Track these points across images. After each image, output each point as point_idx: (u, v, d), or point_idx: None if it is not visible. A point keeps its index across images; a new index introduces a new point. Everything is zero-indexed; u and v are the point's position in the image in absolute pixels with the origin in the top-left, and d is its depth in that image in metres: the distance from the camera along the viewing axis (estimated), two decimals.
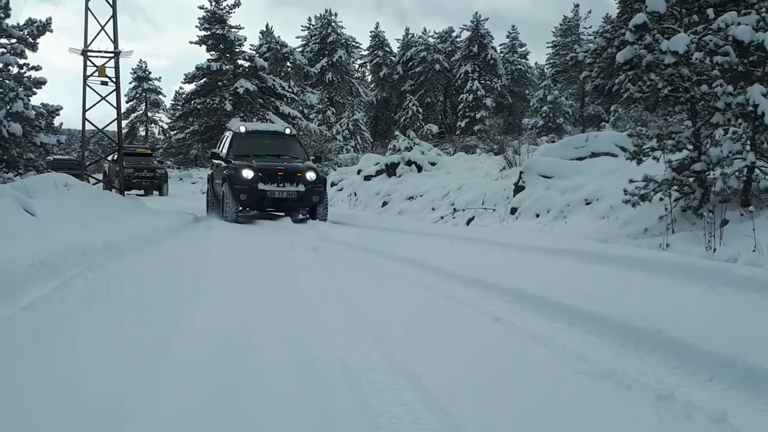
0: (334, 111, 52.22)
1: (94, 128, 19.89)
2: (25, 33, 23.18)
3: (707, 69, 9.20)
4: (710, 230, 8.28)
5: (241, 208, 14.93)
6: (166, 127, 64.09)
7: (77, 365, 3.49)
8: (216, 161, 16.70)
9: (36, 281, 5.31)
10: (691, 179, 9.52)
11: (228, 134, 17.37)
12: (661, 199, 9.65)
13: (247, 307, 5.05)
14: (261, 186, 14.57)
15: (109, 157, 28.95)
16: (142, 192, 30.69)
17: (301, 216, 15.10)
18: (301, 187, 14.80)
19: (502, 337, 4.24)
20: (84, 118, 18.34)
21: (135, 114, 66.32)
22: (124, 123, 60.40)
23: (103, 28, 17.74)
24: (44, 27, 23.64)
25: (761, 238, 7.49)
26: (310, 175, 15.02)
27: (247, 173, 14.63)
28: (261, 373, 3.44)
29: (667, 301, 5.09)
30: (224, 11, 45.64)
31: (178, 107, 54.58)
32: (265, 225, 14.24)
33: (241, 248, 9.57)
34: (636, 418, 2.89)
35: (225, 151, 16.17)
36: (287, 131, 17.99)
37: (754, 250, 7.46)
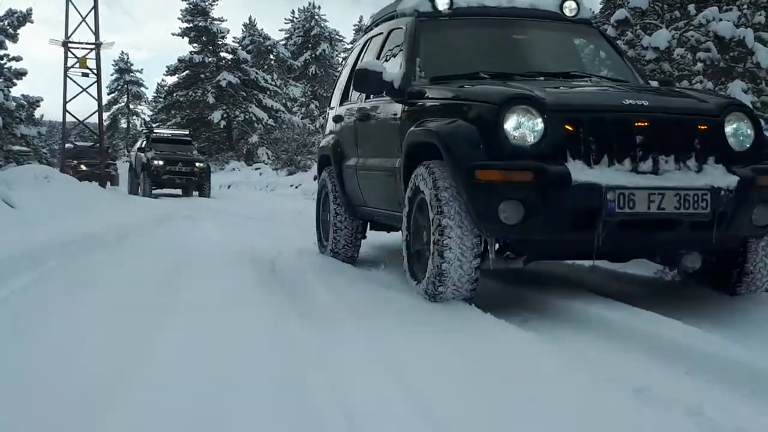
0: (318, 104, 52.18)
1: (74, 120, 19.87)
2: (6, 24, 23.03)
3: (689, 65, 9.27)
4: None
5: None
6: (148, 119, 63.73)
7: (53, 355, 3.47)
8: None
9: (17, 272, 5.29)
10: None
11: None
12: None
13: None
14: None
15: (137, 144, 25.48)
16: (179, 192, 24.25)
17: None
18: None
19: None
20: (65, 110, 18.37)
21: (117, 106, 65.83)
22: (105, 115, 60.27)
23: (84, 19, 17.76)
24: (25, 18, 23.49)
25: None
26: None
27: None
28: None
29: None
30: (207, 3, 45.41)
31: (160, 99, 54.31)
32: None
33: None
34: None
35: None
36: None
37: None
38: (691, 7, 9.70)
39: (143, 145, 24.59)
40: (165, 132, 27.73)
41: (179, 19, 45.97)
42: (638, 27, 9.79)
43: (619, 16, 9.70)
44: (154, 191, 22.96)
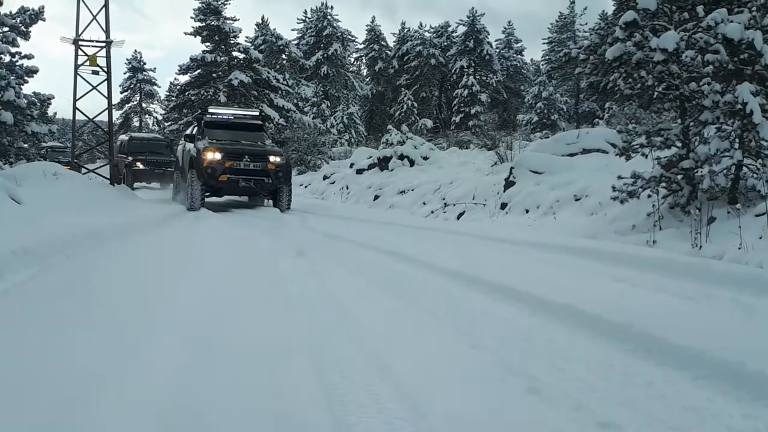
0: (329, 104, 52.13)
1: (85, 118, 19.87)
2: (18, 21, 23.08)
3: (698, 67, 9.18)
4: (697, 228, 8.28)
5: None
6: (160, 118, 63.82)
7: (43, 352, 3.46)
8: None
9: (16, 268, 5.28)
10: (679, 177, 9.52)
11: None
12: (649, 196, 9.64)
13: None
14: None
15: (187, 132, 20.13)
16: (244, 199, 19.27)
17: None
18: None
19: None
20: (74, 108, 18.32)
21: (129, 104, 66.02)
22: (118, 113, 60.58)
23: (95, 17, 17.70)
24: (37, 16, 23.58)
25: (747, 236, 7.50)
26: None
27: None
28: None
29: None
30: (219, 3, 45.40)
31: (173, 98, 54.32)
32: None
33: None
34: None
35: None
36: None
37: (739, 248, 7.46)
38: (700, 9, 9.61)
39: (193, 132, 18.55)
40: (224, 112, 19.52)
41: (192, 18, 45.97)
42: (647, 28, 9.70)
43: (628, 18, 9.61)
44: (207, 198, 16.76)
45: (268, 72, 44.53)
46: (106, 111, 18.55)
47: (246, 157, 16.36)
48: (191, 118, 23.76)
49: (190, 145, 17.30)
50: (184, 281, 5.67)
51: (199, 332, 3.97)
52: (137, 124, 66.34)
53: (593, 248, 7.87)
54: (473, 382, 3.30)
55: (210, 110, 19.10)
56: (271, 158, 16.65)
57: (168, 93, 63.04)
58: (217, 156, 16.11)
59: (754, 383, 3.07)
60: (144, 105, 67.05)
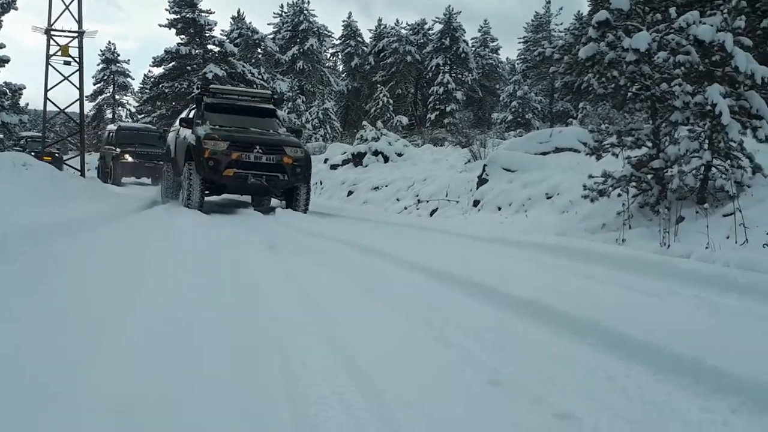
0: (304, 99, 51.99)
1: (56, 109, 19.75)
2: None
3: (670, 68, 9.26)
4: (666, 227, 8.34)
5: None
6: (133, 110, 63.35)
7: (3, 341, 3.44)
8: None
9: None
10: (649, 176, 9.60)
11: None
12: (619, 195, 9.71)
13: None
14: None
15: (182, 115, 16.41)
16: (247, 198, 16.99)
17: None
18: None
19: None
20: (46, 98, 18.19)
21: (102, 96, 65.49)
22: (90, 105, 60.02)
23: (67, 7, 17.60)
24: (9, 5, 23.36)
25: (715, 236, 7.57)
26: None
27: None
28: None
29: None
30: None
31: (146, 91, 54.05)
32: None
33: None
34: None
35: None
36: None
37: (707, 247, 7.53)
38: (672, 10, 9.69)
39: (189, 116, 15.60)
40: (230, 90, 17.63)
41: (167, 10, 45.77)
42: (620, 29, 9.76)
43: (600, 18, 9.66)
44: (207, 197, 14.29)
45: (243, 66, 44.46)
46: (78, 102, 18.40)
47: (257, 147, 13.59)
48: (190, 97, 18.85)
49: (186, 132, 14.62)
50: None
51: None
52: (110, 116, 65.75)
53: (564, 245, 7.95)
54: (435, 373, 3.31)
55: (212, 88, 16.26)
56: (288, 150, 13.91)
57: (142, 85, 62.70)
58: (222, 145, 13.40)
59: (713, 378, 3.12)
60: (117, 97, 66.54)
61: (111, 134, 26.26)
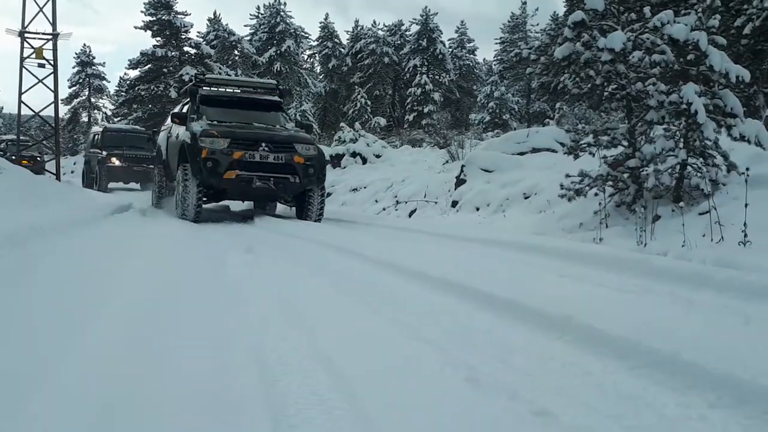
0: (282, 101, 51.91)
1: (31, 112, 19.60)
2: None
3: (645, 67, 9.32)
4: (642, 225, 8.39)
5: None
6: (109, 113, 62.92)
7: None
8: None
9: None
10: (625, 175, 9.66)
11: None
12: (596, 195, 9.76)
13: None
14: None
15: (175, 110, 14.92)
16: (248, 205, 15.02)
17: None
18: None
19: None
20: (20, 101, 18.03)
21: (78, 99, 64.94)
22: (66, 108, 59.54)
23: (41, 9, 17.44)
24: None
25: (691, 234, 7.61)
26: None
27: None
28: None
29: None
30: None
31: (122, 93, 53.78)
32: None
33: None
34: None
35: None
36: None
37: (683, 245, 7.57)
38: (647, 10, 9.76)
39: (183, 110, 14.05)
40: (228, 80, 16.09)
41: (142, 12, 45.59)
42: (595, 29, 9.81)
43: (576, 18, 9.72)
44: (205, 204, 12.57)
45: (220, 68, 44.33)
46: (53, 105, 18.26)
47: (263, 145, 11.73)
48: (182, 91, 16.51)
49: (179, 129, 12.93)
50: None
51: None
52: (86, 119, 65.25)
53: (540, 244, 7.97)
54: (412, 371, 3.30)
55: (208, 79, 14.57)
56: (299, 147, 12.06)
57: (118, 88, 62.37)
58: (222, 143, 11.58)
59: (688, 373, 3.13)
60: (93, 100, 66.01)
61: (96, 136, 24.77)
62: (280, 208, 14.66)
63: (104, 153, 23.10)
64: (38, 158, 24.34)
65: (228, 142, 11.60)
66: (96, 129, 26.43)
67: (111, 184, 23.25)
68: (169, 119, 14.27)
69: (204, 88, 13.73)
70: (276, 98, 14.30)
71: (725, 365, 3.10)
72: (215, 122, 12.31)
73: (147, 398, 2.82)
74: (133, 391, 2.88)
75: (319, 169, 12.27)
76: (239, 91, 14.37)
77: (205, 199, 12.10)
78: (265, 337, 3.79)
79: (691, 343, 3.45)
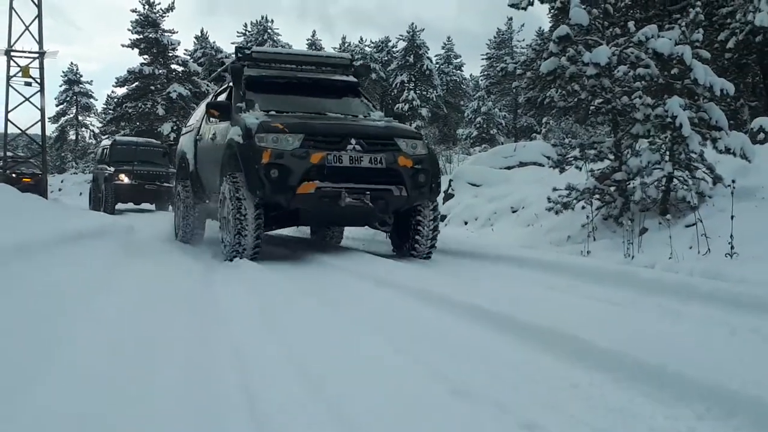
0: None
1: (18, 130, 19.57)
2: None
3: (630, 81, 9.38)
4: (629, 238, 8.41)
5: None
6: (97, 131, 62.79)
7: None
8: None
9: None
10: (612, 188, 9.70)
11: None
12: (583, 208, 9.79)
13: None
14: None
15: (199, 109, 11.71)
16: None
17: None
18: None
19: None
20: (6, 120, 18.00)
21: (65, 118, 64.79)
22: (53, 127, 59.36)
23: (27, 28, 17.42)
24: None
25: (678, 246, 7.64)
26: None
27: None
28: None
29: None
30: (158, 15, 45.08)
31: (110, 111, 53.70)
32: None
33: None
34: None
35: None
36: None
37: (670, 257, 7.59)
38: (631, 25, 9.85)
39: (215, 99, 10.52)
40: (280, 55, 10.70)
41: (129, 30, 45.63)
42: (580, 44, 9.87)
43: (561, 33, 9.77)
44: (267, 232, 9.02)
45: (208, 85, 44.32)
46: (39, 123, 18.23)
47: (353, 142, 7.92)
48: (220, 70, 11.65)
49: (218, 127, 9.31)
50: None
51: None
52: (74, 137, 65.11)
53: (528, 257, 7.98)
54: (397, 383, 3.28)
55: (255, 53, 9.94)
56: (404, 144, 8.27)
57: (105, 106, 62.20)
58: (291, 141, 7.82)
59: (675, 385, 3.13)
60: (80, 118, 65.88)
61: (105, 150, 21.97)
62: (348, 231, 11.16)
63: (112, 169, 20.45)
64: (40, 175, 22.41)
65: (300, 139, 7.82)
66: (105, 142, 23.49)
67: (119, 205, 20.61)
68: (201, 112, 10.76)
69: (250, 67, 9.66)
70: (351, 78, 10.31)
71: (713, 376, 3.10)
72: (274, 112, 8.59)
73: None
74: None
75: (433, 176, 8.50)
76: (299, 68, 10.16)
77: (266, 226, 8.31)
78: None
79: (678, 354, 3.45)
